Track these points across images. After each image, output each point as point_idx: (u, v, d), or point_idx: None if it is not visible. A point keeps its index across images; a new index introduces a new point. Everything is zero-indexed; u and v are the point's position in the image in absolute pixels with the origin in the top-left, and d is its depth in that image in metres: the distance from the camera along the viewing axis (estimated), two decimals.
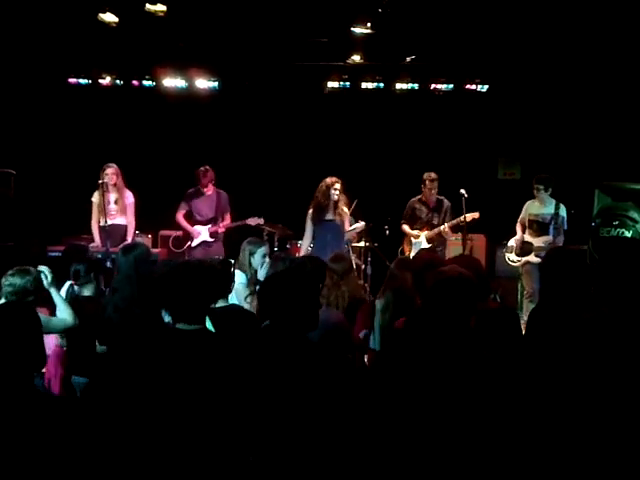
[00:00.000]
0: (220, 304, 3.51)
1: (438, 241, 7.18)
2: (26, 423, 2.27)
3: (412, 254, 7.03)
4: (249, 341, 2.67)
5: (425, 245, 7.14)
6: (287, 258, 4.32)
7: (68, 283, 4.57)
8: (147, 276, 3.82)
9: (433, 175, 7.13)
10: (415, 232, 7.25)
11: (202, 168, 7.17)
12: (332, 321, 3.52)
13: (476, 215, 6.96)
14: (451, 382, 2.26)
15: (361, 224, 6.84)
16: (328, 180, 6.46)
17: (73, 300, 4.04)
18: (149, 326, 3.52)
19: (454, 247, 7.39)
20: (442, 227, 7.06)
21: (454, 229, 7.15)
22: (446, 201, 7.20)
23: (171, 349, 2.55)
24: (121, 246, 4.74)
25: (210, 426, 2.41)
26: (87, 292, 4.23)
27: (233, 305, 3.76)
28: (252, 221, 7.19)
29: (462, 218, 6.91)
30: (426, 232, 7.21)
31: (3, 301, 3.55)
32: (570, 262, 3.02)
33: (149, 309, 3.68)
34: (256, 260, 4.65)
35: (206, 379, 2.46)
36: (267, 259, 4.66)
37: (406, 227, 7.34)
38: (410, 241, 7.32)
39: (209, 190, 7.22)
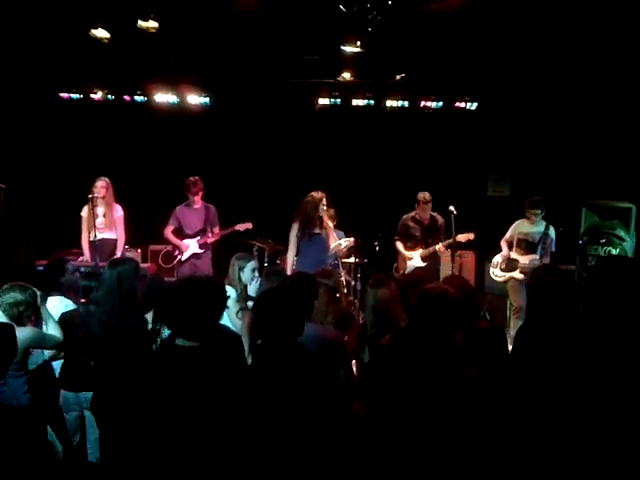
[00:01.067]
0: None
1: (433, 260, 7.18)
2: None
3: (407, 271, 7.07)
4: (237, 361, 2.68)
5: (420, 264, 7.15)
6: (280, 272, 4.31)
7: (53, 298, 4.56)
8: (130, 293, 3.79)
9: (427, 196, 7.13)
10: (409, 254, 7.24)
11: (192, 178, 7.20)
12: (329, 337, 3.51)
13: (471, 236, 7.00)
14: (434, 399, 2.26)
15: (349, 240, 6.84)
16: (316, 195, 6.42)
17: (87, 316, 3.99)
18: (130, 341, 3.50)
19: (443, 263, 7.41)
20: (437, 247, 7.06)
21: (446, 247, 7.14)
22: (440, 218, 7.19)
23: (167, 364, 2.56)
24: (109, 260, 4.72)
25: (203, 437, 2.41)
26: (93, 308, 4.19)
27: (220, 325, 3.73)
28: (241, 227, 7.20)
29: (456, 238, 6.90)
30: (420, 251, 7.21)
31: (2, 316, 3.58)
32: (556, 279, 3.05)
33: (131, 325, 3.67)
34: (246, 275, 4.65)
35: (200, 394, 2.46)
36: (256, 274, 4.66)
37: (400, 245, 7.33)
38: (404, 259, 7.33)
39: (197, 204, 7.24)
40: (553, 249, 6.91)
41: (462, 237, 6.94)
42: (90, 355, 3.82)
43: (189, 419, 2.42)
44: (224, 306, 2.81)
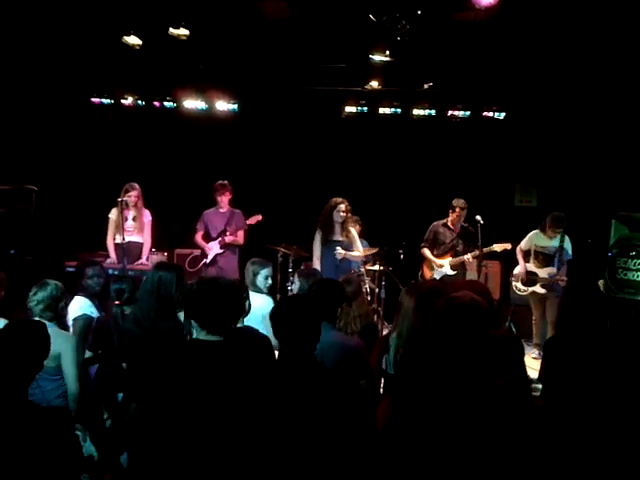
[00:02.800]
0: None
1: (462, 269, 7.15)
2: (14, 434, 2.32)
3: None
4: (263, 364, 2.71)
5: (449, 272, 7.10)
6: (314, 274, 4.33)
7: (78, 298, 4.65)
8: (166, 298, 3.81)
9: (463, 203, 7.08)
10: (439, 261, 7.16)
11: (220, 181, 7.30)
12: (351, 345, 3.51)
13: (508, 246, 6.95)
14: (465, 410, 2.24)
15: (358, 254, 6.64)
16: (333, 200, 6.47)
17: (120, 319, 4.06)
18: (163, 341, 3.54)
19: (468, 273, 7.36)
20: (467, 256, 6.97)
21: (475, 257, 7.04)
22: (471, 228, 7.05)
23: (190, 358, 2.65)
24: (156, 263, 4.77)
25: (220, 436, 2.44)
26: (128, 310, 4.21)
27: (247, 327, 3.77)
28: (252, 220, 7.26)
29: (494, 247, 6.88)
30: (450, 259, 7.14)
31: (46, 316, 3.70)
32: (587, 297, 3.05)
33: (163, 327, 3.71)
34: (260, 281, 4.68)
35: (220, 389, 2.51)
36: (270, 280, 4.69)
37: (427, 252, 7.24)
38: (431, 265, 7.25)
39: (224, 207, 7.31)
40: (569, 257, 6.94)
41: (498, 247, 6.90)
42: (123, 354, 3.86)
43: (212, 413, 2.47)
44: (243, 305, 2.90)
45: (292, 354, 2.53)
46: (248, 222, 7.27)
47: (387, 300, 7.09)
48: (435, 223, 7.28)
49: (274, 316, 2.64)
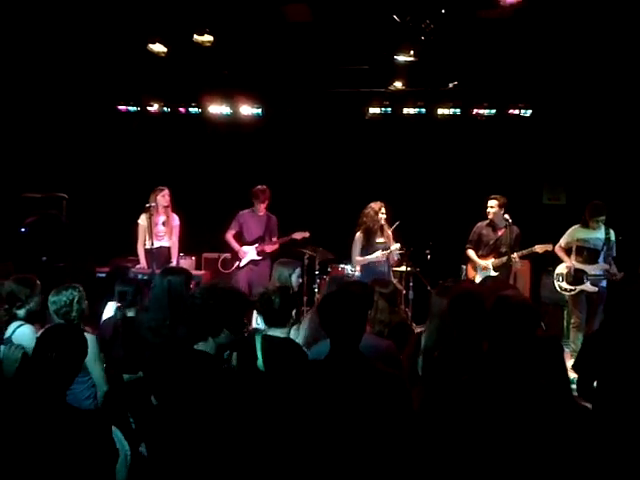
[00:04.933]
0: (276, 333, 3.43)
1: (506, 269, 6.79)
2: (56, 437, 2.36)
3: (477, 280, 6.82)
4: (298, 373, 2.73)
5: (493, 273, 6.89)
6: (343, 281, 4.33)
7: (112, 304, 4.70)
8: (178, 302, 3.83)
9: (493, 198, 6.90)
10: (483, 263, 6.95)
11: (260, 187, 7.29)
12: (383, 347, 3.51)
13: (549, 247, 6.66)
14: (510, 409, 2.23)
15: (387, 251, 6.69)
16: (375, 205, 6.58)
17: (122, 321, 4.11)
18: (176, 348, 3.57)
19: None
20: (513, 256, 6.67)
21: (522, 258, 6.89)
22: (515, 228, 6.82)
23: (181, 367, 2.63)
24: (162, 268, 4.82)
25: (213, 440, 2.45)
26: (131, 313, 4.29)
27: (288, 339, 3.75)
28: (298, 235, 7.27)
29: (535, 248, 6.66)
30: (493, 260, 6.94)
31: (55, 320, 3.72)
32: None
33: (178, 333, 3.72)
34: (294, 281, 4.66)
35: (212, 396, 2.51)
36: (300, 280, 4.70)
37: (472, 253, 7.06)
38: (475, 266, 7.08)
39: (262, 212, 7.34)
40: (614, 254, 6.52)
41: (540, 248, 6.67)
42: (138, 361, 3.87)
43: (204, 421, 2.46)
44: (240, 312, 2.86)
45: (341, 346, 2.54)
46: (294, 236, 7.28)
47: (415, 301, 7.06)
48: (479, 224, 7.09)
49: (323, 309, 2.65)
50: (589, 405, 3.39)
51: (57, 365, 2.47)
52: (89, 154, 8.74)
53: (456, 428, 2.29)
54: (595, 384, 3.36)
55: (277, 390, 3.02)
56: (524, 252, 6.73)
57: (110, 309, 4.71)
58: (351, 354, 2.54)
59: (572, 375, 5.90)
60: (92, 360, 3.74)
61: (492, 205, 6.89)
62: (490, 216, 6.94)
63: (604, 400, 2.76)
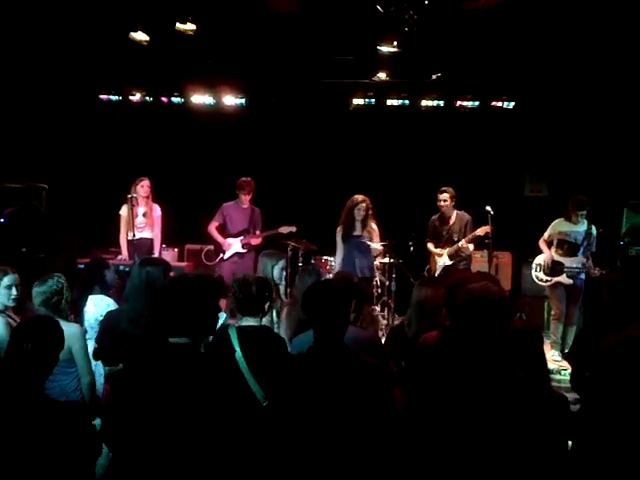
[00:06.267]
0: (250, 323, 3.42)
1: (460, 257, 7.13)
2: (33, 430, 2.33)
3: (437, 272, 7.03)
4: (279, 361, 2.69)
5: (447, 262, 7.12)
6: (315, 271, 4.32)
7: (95, 297, 4.65)
8: (157, 292, 3.83)
9: (442, 191, 7.13)
10: (438, 250, 7.26)
11: (245, 178, 7.26)
12: (365, 337, 3.52)
13: (488, 229, 6.78)
14: (487, 401, 2.25)
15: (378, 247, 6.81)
16: (355, 198, 6.67)
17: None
18: (155, 339, 3.54)
19: (479, 264, 7.34)
20: (460, 243, 7.01)
21: (476, 245, 7.08)
22: (465, 215, 7.14)
23: (160, 362, 2.54)
24: (141, 258, 4.77)
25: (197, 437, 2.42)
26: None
27: (263, 326, 3.75)
28: (284, 229, 7.26)
29: (477, 232, 6.85)
30: (447, 249, 7.19)
31: (43, 311, 3.70)
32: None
33: (156, 323, 3.71)
34: (276, 273, 4.67)
35: (192, 392, 2.44)
36: (284, 273, 4.69)
37: (430, 245, 7.36)
38: (435, 259, 7.32)
39: (246, 204, 7.31)
40: (594, 249, 6.67)
41: (480, 230, 6.85)
42: (117, 353, 3.85)
43: (184, 417, 2.40)
44: (215, 303, 2.76)
45: (325, 338, 2.54)
46: (280, 230, 7.25)
47: (398, 293, 7.09)
48: (432, 218, 7.39)
49: (307, 301, 2.63)
50: (574, 396, 3.44)
51: (33, 357, 2.44)
52: (70, 144, 8.62)
53: (438, 419, 2.31)
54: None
55: (260, 382, 3.01)
56: (469, 237, 6.95)
57: (92, 304, 4.66)
58: (335, 346, 2.54)
59: (552, 366, 6.06)
60: (79, 350, 3.75)
61: (445, 198, 7.11)
62: (443, 209, 7.16)
63: (594, 392, 2.79)
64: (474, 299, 2.37)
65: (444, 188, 7.14)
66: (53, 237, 7.40)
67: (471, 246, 7.04)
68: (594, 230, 6.65)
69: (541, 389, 2.33)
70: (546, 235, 6.87)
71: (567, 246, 6.69)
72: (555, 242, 6.78)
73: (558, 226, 6.77)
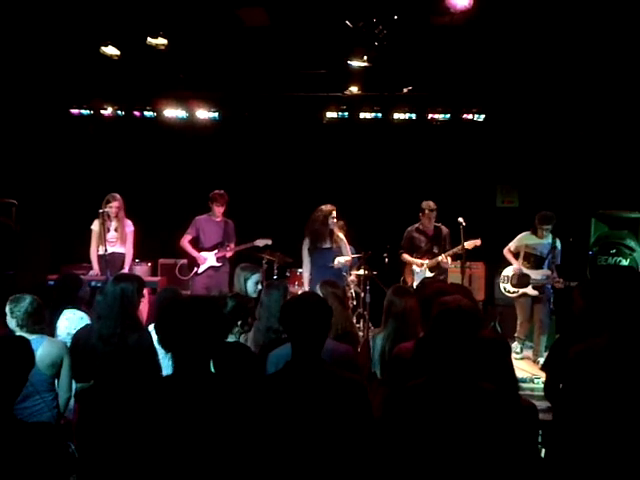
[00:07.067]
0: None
1: (439, 270, 7.19)
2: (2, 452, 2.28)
3: (415, 284, 7.03)
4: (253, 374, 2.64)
5: (428, 274, 7.15)
6: (282, 286, 4.31)
7: (69, 312, 4.59)
8: (131, 310, 3.80)
9: (432, 204, 7.17)
10: (419, 261, 7.24)
11: (218, 191, 7.23)
12: (342, 351, 3.52)
13: (478, 242, 6.97)
14: (453, 413, 2.26)
15: (348, 259, 6.73)
16: (325, 208, 6.54)
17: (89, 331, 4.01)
18: (136, 359, 3.50)
19: (453, 275, 7.39)
20: (440, 257, 7.05)
21: (454, 257, 7.16)
22: (444, 228, 7.22)
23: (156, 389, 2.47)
24: (114, 275, 4.73)
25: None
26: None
27: (237, 342, 3.70)
28: (260, 242, 7.24)
29: (461, 246, 6.91)
30: (427, 261, 7.21)
31: (18, 331, 3.68)
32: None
33: (129, 341, 3.68)
34: (250, 287, 4.65)
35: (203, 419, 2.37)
36: (259, 286, 4.67)
37: (407, 256, 7.33)
38: (411, 271, 7.31)
39: (219, 217, 7.28)
40: (558, 262, 6.86)
41: (469, 244, 6.93)
42: (88, 370, 3.80)
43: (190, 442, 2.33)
44: (222, 325, 2.65)
45: (303, 352, 2.52)
46: (256, 243, 7.24)
47: (372, 304, 7.11)
48: (409, 228, 7.38)
49: (285, 316, 2.62)
50: (546, 404, 3.48)
51: (2, 379, 2.39)
52: (40, 159, 8.52)
53: (411, 431, 2.32)
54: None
55: (234, 397, 2.98)
56: (454, 250, 7.01)
57: (65, 318, 4.59)
58: (313, 361, 2.53)
59: (525, 374, 6.14)
60: (65, 366, 3.76)
61: (433, 209, 7.14)
62: (432, 220, 7.18)
63: (563, 401, 2.82)
64: (448, 310, 2.40)
65: (431, 201, 7.16)
66: (23, 253, 7.29)
67: (449, 260, 7.09)
68: (558, 244, 6.84)
69: (509, 399, 2.36)
70: (512, 246, 7.04)
71: (533, 259, 6.89)
72: (522, 255, 6.97)
73: (525, 239, 6.96)
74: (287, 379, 2.54)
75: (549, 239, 6.81)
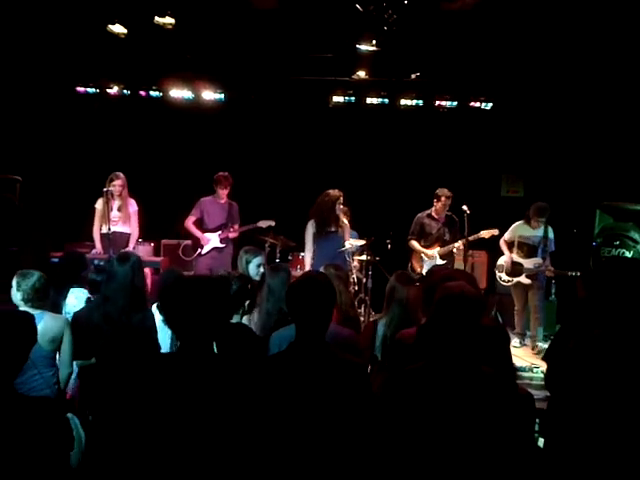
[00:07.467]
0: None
1: (452, 257, 7.21)
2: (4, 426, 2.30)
3: (423, 271, 7.03)
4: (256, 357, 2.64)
5: (439, 262, 7.12)
6: (284, 268, 4.31)
7: (76, 290, 4.61)
8: (141, 287, 3.84)
9: (448, 192, 7.09)
10: (430, 252, 7.19)
11: (222, 173, 7.22)
12: (344, 334, 3.53)
13: (495, 232, 7.02)
14: (454, 397, 2.28)
15: (355, 244, 6.72)
16: (333, 193, 6.51)
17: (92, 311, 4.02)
18: (138, 338, 3.52)
19: (455, 263, 7.40)
20: (457, 244, 7.03)
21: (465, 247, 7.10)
22: (455, 217, 7.14)
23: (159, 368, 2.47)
24: (116, 255, 4.74)
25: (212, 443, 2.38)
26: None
27: (239, 323, 3.71)
28: (263, 223, 7.27)
29: (481, 234, 6.96)
30: (438, 248, 7.17)
31: (22, 305, 3.70)
32: None
33: (135, 321, 3.71)
34: (251, 270, 4.66)
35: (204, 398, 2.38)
36: (261, 269, 4.68)
37: (415, 244, 7.26)
38: (420, 257, 7.27)
39: (223, 199, 7.28)
40: (552, 249, 7.02)
41: (486, 233, 6.99)
42: (89, 348, 3.83)
43: (192, 422, 2.34)
44: (227, 306, 2.66)
45: (307, 335, 2.51)
46: (259, 224, 7.26)
47: (374, 290, 7.12)
48: (420, 215, 7.30)
49: (290, 297, 2.60)
50: (545, 393, 3.50)
51: (3, 353, 2.40)
52: (45, 136, 8.52)
53: (409, 415, 2.33)
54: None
55: (236, 377, 3.00)
56: (471, 238, 6.96)
57: (73, 296, 4.62)
58: (317, 343, 2.52)
59: (524, 363, 6.19)
60: (66, 342, 3.77)
61: (449, 196, 7.07)
62: (446, 207, 7.12)
63: (563, 391, 2.84)
64: (451, 295, 2.40)
65: (447, 189, 7.10)
66: (27, 230, 7.31)
67: (462, 247, 7.07)
68: (551, 233, 6.97)
69: (507, 385, 2.37)
70: (507, 237, 7.18)
71: (526, 248, 7.07)
72: (516, 244, 7.11)
73: (519, 230, 7.11)
74: (290, 360, 2.53)
75: (542, 229, 6.95)
